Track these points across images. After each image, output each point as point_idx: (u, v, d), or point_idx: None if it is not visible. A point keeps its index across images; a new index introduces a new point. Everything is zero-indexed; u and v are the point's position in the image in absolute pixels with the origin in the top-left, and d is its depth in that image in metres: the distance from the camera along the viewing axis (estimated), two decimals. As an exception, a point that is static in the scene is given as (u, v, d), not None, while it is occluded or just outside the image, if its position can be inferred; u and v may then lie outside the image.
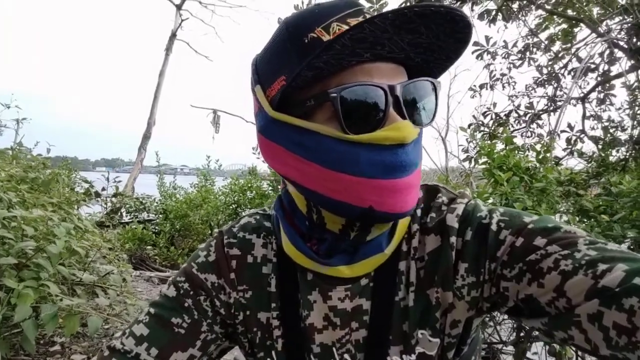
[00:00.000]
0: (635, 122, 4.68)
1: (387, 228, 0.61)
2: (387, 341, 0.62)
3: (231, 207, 7.09)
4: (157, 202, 8.61)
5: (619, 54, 5.46)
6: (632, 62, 4.90)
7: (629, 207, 2.79)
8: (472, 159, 4.71)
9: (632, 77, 5.32)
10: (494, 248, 0.56)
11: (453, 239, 0.60)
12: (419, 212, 0.66)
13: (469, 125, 6.99)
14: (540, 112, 6.78)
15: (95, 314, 2.37)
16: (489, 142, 6.36)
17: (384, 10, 0.51)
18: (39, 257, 2.38)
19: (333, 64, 0.51)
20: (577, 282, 0.46)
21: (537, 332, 0.60)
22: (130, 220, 7.94)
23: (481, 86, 7.24)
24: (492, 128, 6.98)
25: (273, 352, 0.66)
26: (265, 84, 0.58)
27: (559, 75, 6.74)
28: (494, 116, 6.94)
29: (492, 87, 7.28)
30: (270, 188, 7.19)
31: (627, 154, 4.53)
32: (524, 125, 6.92)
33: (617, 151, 4.91)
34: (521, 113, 6.92)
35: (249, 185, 7.04)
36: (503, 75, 7.13)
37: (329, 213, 0.59)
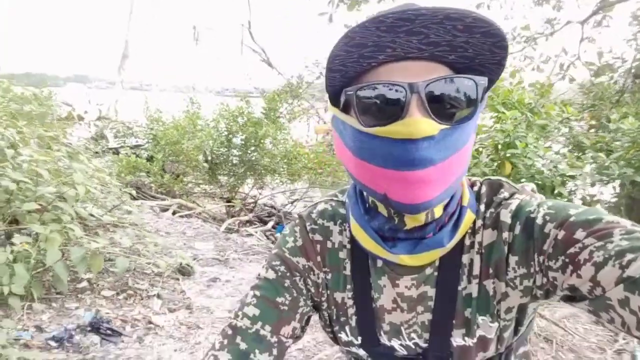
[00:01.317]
0: (637, 53, 4.64)
1: (421, 220, 0.63)
2: (451, 325, 0.68)
3: (223, 134, 7.00)
4: (144, 127, 8.41)
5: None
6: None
7: (627, 147, 2.90)
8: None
9: (634, 3, 5.17)
10: (541, 241, 0.59)
11: (506, 234, 0.64)
12: (482, 207, 0.68)
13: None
14: (537, 35, 6.61)
15: (119, 254, 2.47)
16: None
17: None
18: (56, 200, 2.41)
19: (352, 66, 0.57)
20: (607, 272, 0.50)
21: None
22: (119, 146, 7.82)
23: (478, 5, 6.96)
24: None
25: (347, 327, 0.74)
26: None
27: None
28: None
29: (488, 7, 7.01)
30: (262, 114, 7.07)
31: (624, 86, 4.56)
32: (520, 48, 6.78)
33: (612, 80, 4.93)
34: (516, 35, 6.75)
35: (240, 111, 6.90)
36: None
37: None
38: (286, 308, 0.71)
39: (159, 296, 2.62)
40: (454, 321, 0.67)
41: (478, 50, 0.56)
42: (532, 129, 3.26)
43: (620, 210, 3.62)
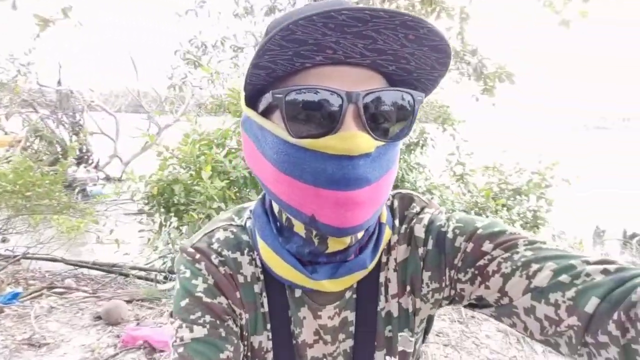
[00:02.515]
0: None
1: (347, 244, 0.58)
2: (372, 348, 0.65)
3: None
4: None
5: None
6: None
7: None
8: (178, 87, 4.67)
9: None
10: (452, 256, 0.59)
11: (421, 250, 0.63)
12: (397, 222, 0.66)
13: (175, 52, 6.86)
14: (243, 46, 7.29)
15: None
16: (191, 70, 6.39)
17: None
18: None
19: (282, 64, 0.49)
20: (515, 282, 0.52)
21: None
22: None
23: (187, 12, 7.08)
24: (198, 56, 7.10)
25: None
26: None
27: (254, 10, 7.31)
28: (200, 44, 7.05)
29: (196, 14, 7.23)
30: None
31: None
32: (230, 56, 7.32)
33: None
34: (225, 44, 7.27)
35: None
36: (204, 2, 7.14)
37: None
38: None
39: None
40: (375, 343, 0.65)
41: (420, 64, 0.52)
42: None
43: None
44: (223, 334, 0.60)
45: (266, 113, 0.55)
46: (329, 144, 0.49)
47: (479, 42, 4.98)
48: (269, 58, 0.48)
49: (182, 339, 0.58)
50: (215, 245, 0.64)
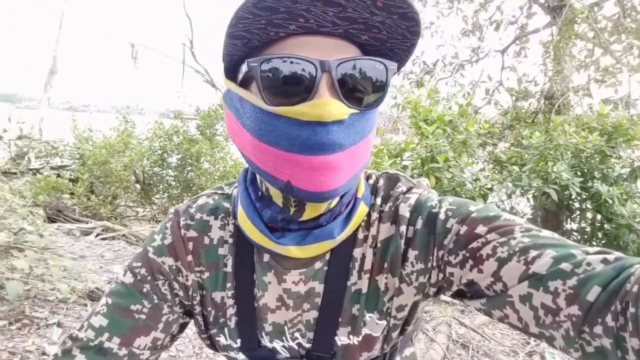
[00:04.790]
0: (547, 78, 5.06)
1: (323, 209, 0.60)
2: (336, 322, 0.64)
3: (157, 153, 6.73)
4: (71, 146, 7.90)
5: (537, 9, 5.76)
6: (549, 18, 5.21)
7: (536, 159, 3.10)
8: (400, 106, 4.84)
9: (547, 33, 5.68)
10: (442, 236, 0.58)
11: (403, 228, 0.62)
12: (378, 200, 0.66)
13: (398, 73, 7.14)
14: (465, 62, 7.08)
15: (14, 278, 2.21)
16: (415, 90, 6.57)
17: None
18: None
19: (257, 33, 0.50)
20: (511, 267, 0.50)
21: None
22: (41, 167, 7.25)
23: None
24: (420, 76, 7.19)
25: (225, 329, 0.68)
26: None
27: (483, 26, 7.01)
28: (421, 64, 7.15)
29: (422, 36, 7.42)
30: (198, 133, 6.89)
31: (537, 108, 4.94)
32: (449, 74, 7.23)
33: (530, 104, 5.34)
34: (447, 62, 7.18)
35: (175, 129, 6.68)
36: (432, 23, 7.26)
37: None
38: (143, 317, 0.64)
39: (59, 324, 2.35)
40: (340, 319, 0.64)
41: (391, 33, 0.53)
42: (453, 144, 3.41)
43: (536, 221, 3.84)
44: (144, 290, 0.65)
45: (244, 84, 0.56)
46: (303, 110, 0.50)
47: None
48: (243, 27, 0.49)
49: (117, 278, 0.68)
50: (192, 209, 0.70)
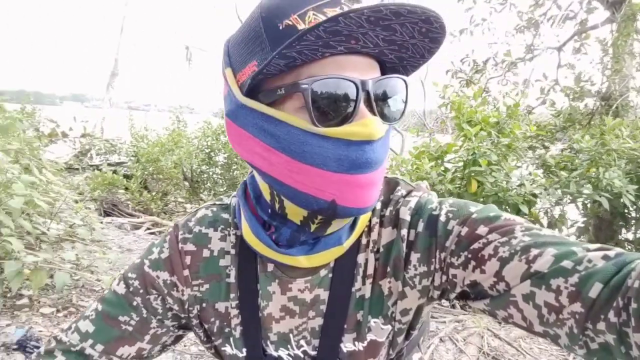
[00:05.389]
0: (604, 77, 4.70)
1: (347, 222, 0.62)
2: (341, 329, 0.65)
3: (204, 152, 6.99)
4: (128, 145, 8.39)
5: (596, 4, 5.37)
6: (608, 13, 4.84)
7: (586, 164, 2.89)
8: (448, 105, 4.69)
9: (606, 30, 5.28)
10: (444, 238, 0.58)
11: (404, 232, 0.62)
12: (379, 205, 0.67)
13: (447, 71, 6.93)
14: (517, 61, 6.74)
15: (62, 269, 2.38)
16: (464, 89, 6.35)
17: (359, 4, 0.48)
18: (0, 212, 2.33)
19: (307, 54, 0.50)
20: (513, 266, 0.50)
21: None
22: (101, 163, 7.77)
23: (461, 31, 7.10)
24: (470, 75, 6.94)
25: (231, 339, 0.68)
26: (237, 68, 0.57)
27: (539, 22, 6.65)
28: (471, 63, 6.88)
29: (471, 33, 7.15)
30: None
31: (594, 108, 4.60)
32: (500, 72, 6.92)
33: (585, 105, 4.98)
34: (499, 61, 6.87)
35: (223, 129, 6.90)
36: (484, 20, 6.98)
37: (291, 203, 0.58)
38: (130, 328, 0.66)
39: (102, 313, 2.50)
40: (345, 325, 0.65)
41: (415, 53, 0.55)
42: (498, 148, 3.25)
43: (588, 230, 3.58)
44: (134, 303, 0.66)
45: (274, 104, 0.55)
46: (354, 130, 0.52)
47: None
48: (300, 48, 0.49)
49: (111, 286, 0.70)
50: (190, 223, 0.70)
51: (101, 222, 3.72)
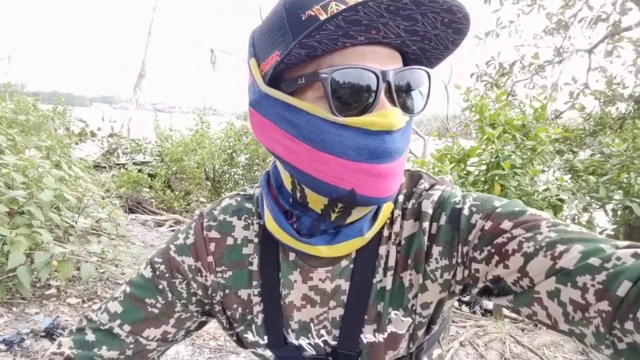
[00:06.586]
0: (638, 80, 4.54)
1: (367, 211, 0.62)
2: (362, 320, 0.65)
3: (227, 152, 7.08)
4: (153, 144, 8.59)
5: (630, 4, 5.21)
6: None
7: (617, 169, 2.79)
8: (472, 109, 4.61)
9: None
10: (466, 232, 0.58)
11: (426, 224, 0.62)
12: (401, 198, 0.67)
13: (472, 75, 6.84)
14: (545, 64, 6.59)
15: (88, 261, 2.45)
16: (487, 92, 6.23)
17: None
18: (31, 205, 2.42)
19: (327, 44, 0.50)
20: (537, 262, 0.49)
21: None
22: (126, 162, 7.97)
23: (487, 33, 6.99)
24: (495, 78, 6.82)
25: (253, 326, 0.69)
26: (260, 58, 0.58)
27: (568, 24, 6.49)
28: (497, 66, 6.76)
29: (497, 35, 7.03)
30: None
31: (626, 112, 4.45)
32: (528, 76, 6.78)
33: (617, 109, 4.83)
34: (526, 64, 6.74)
35: (245, 130, 6.98)
36: (511, 22, 6.86)
37: (312, 192, 0.59)
38: (156, 311, 0.68)
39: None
40: (365, 316, 0.64)
41: (438, 44, 0.54)
42: (522, 151, 3.18)
43: (618, 238, 3.46)
44: (160, 287, 0.68)
45: (295, 93, 0.55)
46: (374, 120, 0.52)
47: None
48: (319, 37, 0.49)
49: (138, 270, 0.72)
50: (215, 212, 0.71)
51: (126, 218, 3.81)
